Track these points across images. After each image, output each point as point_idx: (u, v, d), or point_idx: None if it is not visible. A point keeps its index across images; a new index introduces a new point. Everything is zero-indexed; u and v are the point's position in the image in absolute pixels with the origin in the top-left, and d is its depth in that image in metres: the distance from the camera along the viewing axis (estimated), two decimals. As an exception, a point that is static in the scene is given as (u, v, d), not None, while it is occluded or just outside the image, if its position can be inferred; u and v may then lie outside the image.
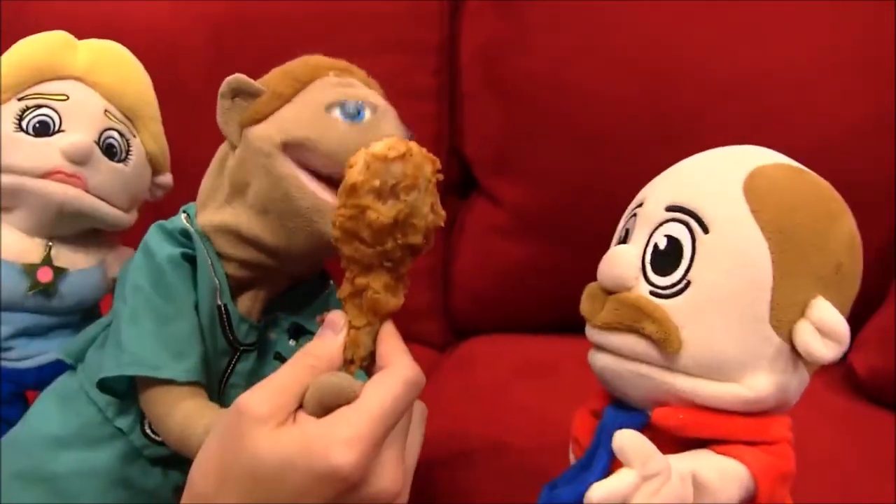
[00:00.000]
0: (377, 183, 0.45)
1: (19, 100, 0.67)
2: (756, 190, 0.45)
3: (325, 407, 0.44)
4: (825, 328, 0.43)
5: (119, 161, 0.70)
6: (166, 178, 0.77)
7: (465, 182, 1.15)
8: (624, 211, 0.54)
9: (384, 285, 0.48)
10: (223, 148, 0.63)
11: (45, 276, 0.67)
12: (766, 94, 0.92)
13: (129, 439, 0.60)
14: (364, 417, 0.42)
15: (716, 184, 0.47)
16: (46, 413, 0.63)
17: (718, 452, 0.43)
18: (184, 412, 0.55)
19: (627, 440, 0.40)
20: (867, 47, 0.91)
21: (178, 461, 0.61)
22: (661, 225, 0.48)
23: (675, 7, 0.95)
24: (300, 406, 0.45)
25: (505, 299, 1.11)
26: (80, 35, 0.72)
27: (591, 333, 0.50)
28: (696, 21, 0.94)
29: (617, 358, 0.48)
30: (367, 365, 0.49)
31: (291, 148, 0.56)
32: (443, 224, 0.49)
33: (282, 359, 0.65)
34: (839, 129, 0.91)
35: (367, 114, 0.58)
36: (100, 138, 0.68)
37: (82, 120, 0.68)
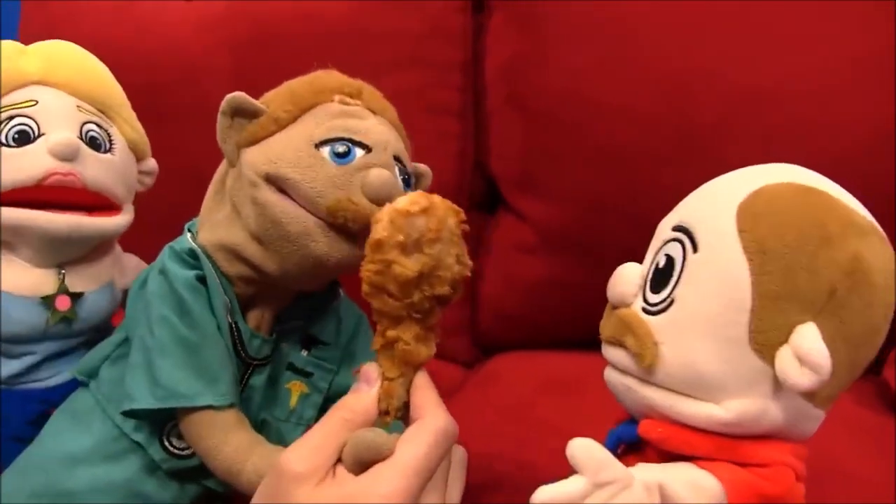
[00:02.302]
0: (401, 237, 0.47)
1: None
2: (749, 209, 0.45)
3: (362, 463, 0.46)
4: (802, 355, 0.42)
5: (105, 152, 0.70)
6: (150, 164, 0.78)
7: (490, 199, 1.15)
8: (648, 226, 0.54)
9: (415, 336, 0.50)
10: (224, 164, 0.63)
11: (63, 304, 0.69)
12: (788, 105, 0.92)
13: (148, 453, 0.62)
14: (399, 473, 0.44)
15: (714, 202, 0.47)
16: (60, 431, 0.65)
17: (700, 467, 0.44)
18: (232, 447, 0.57)
19: (578, 448, 0.41)
20: (888, 56, 0.90)
21: (195, 474, 0.63)
22: (665, 244, 0.49)
23: (695, 21, 0.95)
24: (339, 460, 0.47)
25: (531, 316, 1.11)
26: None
27: (602, 347, 0.52)
28: (714, 34, 0.95)
29: (614, 371, 0.50)
30: (402, 415, 0.51)
31: (275, 180, 0.57)
32: (469, 274, 0.50)
33: (294, 369, 0.67)
34: (860, 140, 0.91)
35: (358, 154, 0.58)
36: (81, 133, 0.68)
37: (59, 119, 0.68)
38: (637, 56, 0.97)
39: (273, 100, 0.61)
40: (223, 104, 0.59)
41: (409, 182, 0.63)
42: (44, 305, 0.68)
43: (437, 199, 0.49)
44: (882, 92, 0.90)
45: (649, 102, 0.96)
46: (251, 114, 0.60)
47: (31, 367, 0.69)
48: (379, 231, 0.47)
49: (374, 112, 0.62)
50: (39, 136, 0.66)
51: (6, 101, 0.67)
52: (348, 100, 0.62)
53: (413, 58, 1.08)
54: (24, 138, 0.66)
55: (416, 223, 0.47)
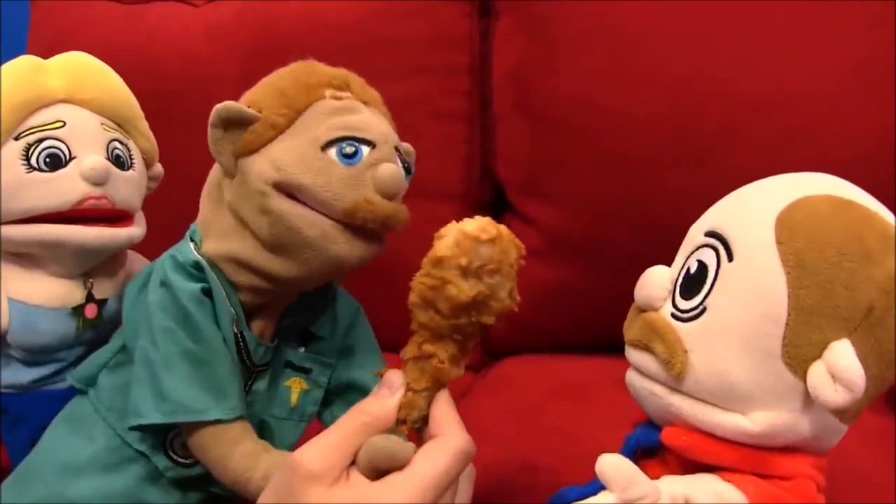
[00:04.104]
0: (464, 261, 0.47)
1: (16, 139, 0.66)
2: (788, 221, 0.44)
3: (377, 469, 0.46)
4: (836, 373, 0.41)
5: (128, 169, 0.71)
6: (157, 169, 0.79)
7: (497, 203, 1.15)
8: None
9: (450, 356, 0.50)
10: (217, 172, 0.62)
11: (91, 312, 0.71)
12: (795, 111, 0.93)
13: (151, 462, 0.62)
14: (414, 485, 0.44)
15: (751, 212, 0.47)
16: (60, 440, 0.65)
17: (725, 480, 0.44)
18: (240, 456, 0.57)
19: (607, 464, 0.41)
20: (892, 61, 0.90)
21: (199, 482, 0.63)
22: (697, 249, 0.49)
23: (701, 28, 0.96)
24: (353, 462, 0.46)
25: (539, 320, 1.11)
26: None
27: (625, 349, 0.52)
28: (720, 41, 0.95)
29: (638, 374, 0.50)
30: (417, 427, 0.50)
31: (286, 187, 0.57)
32: (517, 309, 0.50)
33: (293, 366, 0.67)
34: (865, 144, 0.91)
35: (365, 152, 0.57)
36: (108, 152, 0.69)
37: (88, 140, 0.68)
38: (643, 62, 0.97)
39: (263, 103, 0.59)
40: (212, 116, 0.57)
41: (410, 170, 0.63)
42: (73, 315, 0.69)
43: (504, 230, 0.49)
44: (887, 97, 0.91)
45: (655, 108, 0.96)
46: (245, 122, 0.58)
47: (57, 371, 0.71)
48: (442, 248, 0.47)
49: (365, 103, 0.62)
50: (71, 159, 0.67)
51: (32, 121, 0.67)
52: (339, 94, 0.61)
53: (420, 63, 1.09)
54: (55, 162, 0.66)
55: (481, 250, 0.47)
